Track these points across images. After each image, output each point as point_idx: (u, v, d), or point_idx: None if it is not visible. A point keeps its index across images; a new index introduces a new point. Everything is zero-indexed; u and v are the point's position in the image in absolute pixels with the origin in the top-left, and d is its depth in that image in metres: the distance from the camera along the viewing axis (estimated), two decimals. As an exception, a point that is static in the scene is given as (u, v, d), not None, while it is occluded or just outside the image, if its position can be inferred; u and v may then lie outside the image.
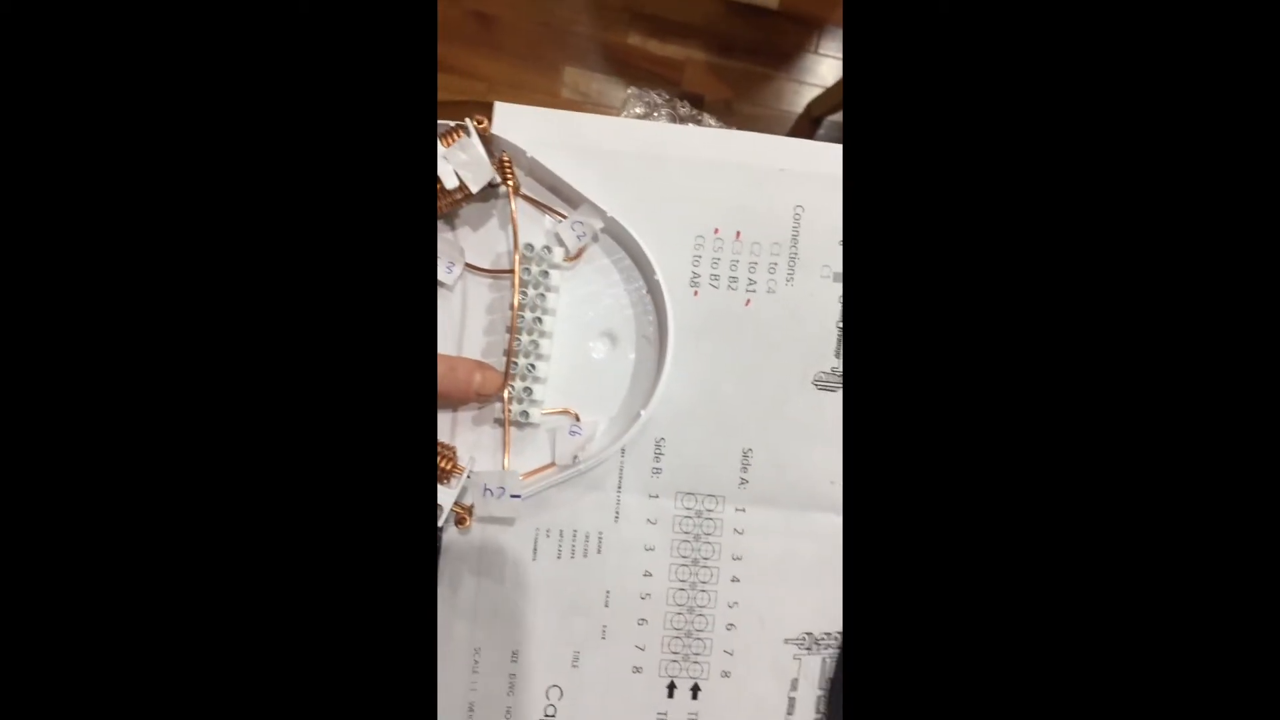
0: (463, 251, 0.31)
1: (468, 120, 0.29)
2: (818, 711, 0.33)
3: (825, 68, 0.89)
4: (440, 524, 0.29)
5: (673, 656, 0.32)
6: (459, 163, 0.29)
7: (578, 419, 0.32)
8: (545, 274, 0.31)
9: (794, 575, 0.32)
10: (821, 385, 0.32)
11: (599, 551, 0.32)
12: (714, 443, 0.32)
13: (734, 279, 0.32)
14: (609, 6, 0.86)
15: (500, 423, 0.31)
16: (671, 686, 0.32)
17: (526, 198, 0.32)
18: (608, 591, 0.32)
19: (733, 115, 0.86)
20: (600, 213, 0.31)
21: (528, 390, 0.31)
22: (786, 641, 0.33)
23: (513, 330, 0.30)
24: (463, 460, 0.30)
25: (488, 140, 0.30)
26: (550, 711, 0.32)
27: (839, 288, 0.32)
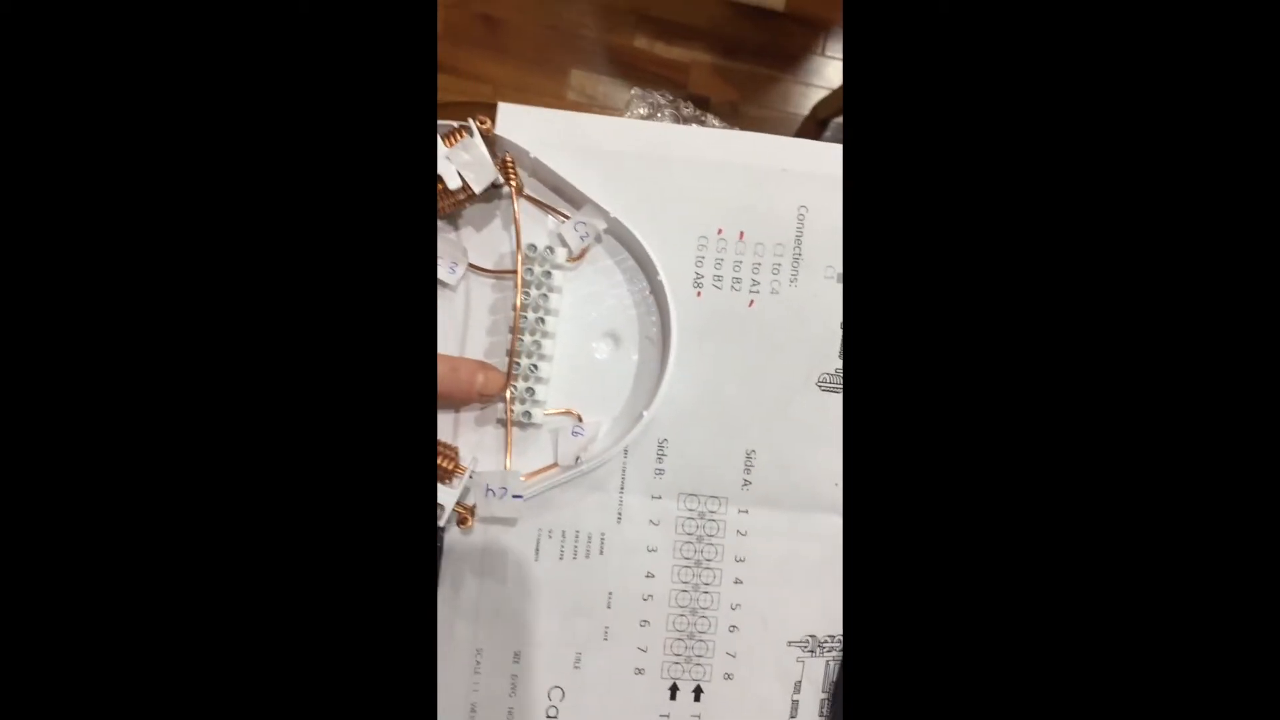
0: (466, 252, 0.31)
1: (471, 120, 0.29)
2: (821, 715, 0.33)
3: (831, 70, 0.89)
4: (442, 524, 0.29)
5: (675, 658, 0.32)
6: (462, 163, 0.29)
7: (580, 419, 0.31)
8: (548, 274, 0.31)
9: (797, 577, 0.32)
10: (825, 386, 0.32)
11: (601, 552, 0.32)
12: (717, 444, 0.32)
13: (737, 279, 0.32)
14: (615, 9, 0.86)
15: (503, 423, 0.31)
16: (674, 688, 0.32)
17: (529, 198, 0.32)
18: (610, 593, 0.32)
19: (738, 117, 0.86)
20: (603, 213, 0.31)
21: (530, 390, 0.31)
22: (790, 644, 0.32)
23: (515, 330, 0.30)
24: (465, 460, 0.30)
25: (491, 141, 0.30)
26: (552, 712, 0.32)
27: (842, 288, 0.32)
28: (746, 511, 0.32)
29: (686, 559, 0.32)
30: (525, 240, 0.31)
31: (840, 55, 0.88)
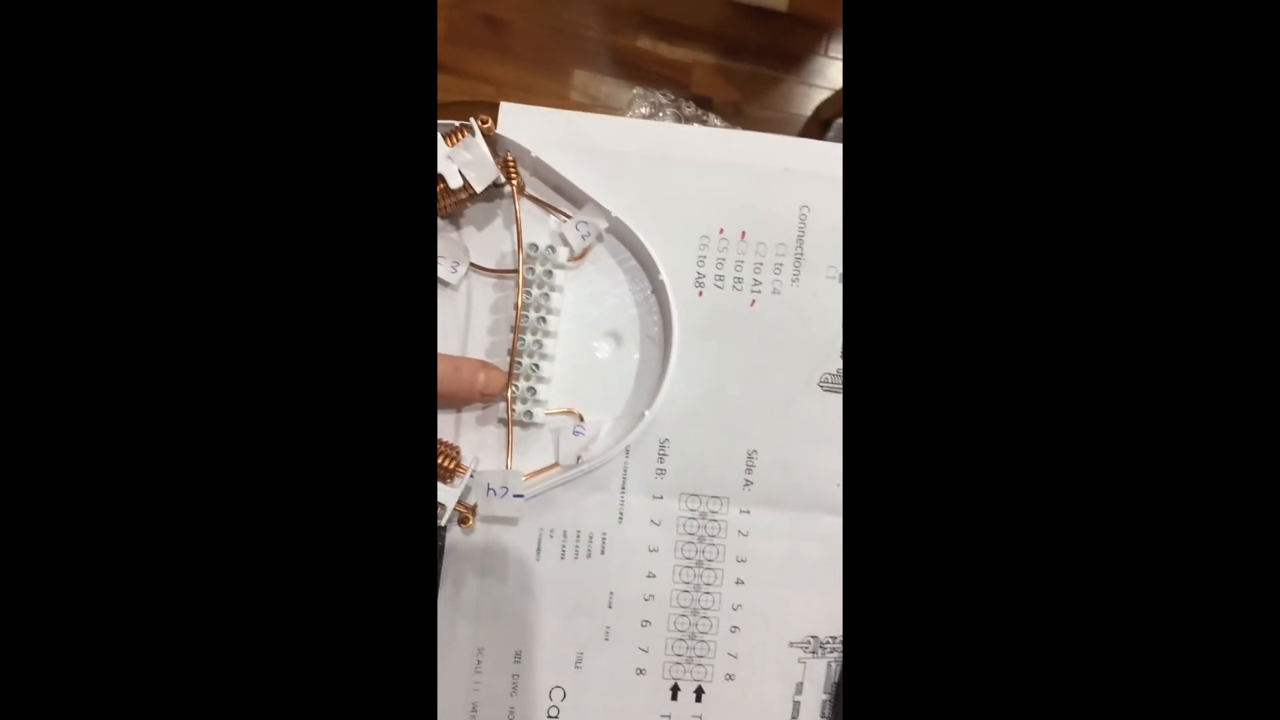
0: (467, 251, 0.31)
1: (472, 120, 0.29)
2: (823, 716, 0.33)
3: (834, 71, 0.88)
4: (444, 523, 0.29)
5: (676, 659, 0.32)
6: (464, 162, 0.29)
7: (582, 419, 0.31)
8: (549, 274, 0.31)
9: (799, 578, 0.32)
10: (827, 387, 0.32)
11: (602, 552, 0.32)
12: (718, 444, 0.32)
13: (739, 279, 0.32)
14: (619, 10, 0.86)
15: (504, 422, 0.31)
16: (675, 689, 0.32)
17: (531, 197, 0.32)
18: (611, 592, 0.32)
19: (741, 118, 0.86)
20: (605, 212, 0.31)
21: (531, 390, 0.31)
22: (791, 645, 0.32)
23: (517, 330, 0.30)
24: (467, 460, 0.30)
25: (492, 140, 0.30)
26: (553, 712, 0.32)
27: (842, 288, 0.32)
28: (748, 512, 0.32)
29: (688, 559, 0.32)
30: (527, 239, 0.31)
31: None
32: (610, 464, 0.32)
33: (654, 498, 0.32)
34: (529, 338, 0.31)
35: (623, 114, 0.78)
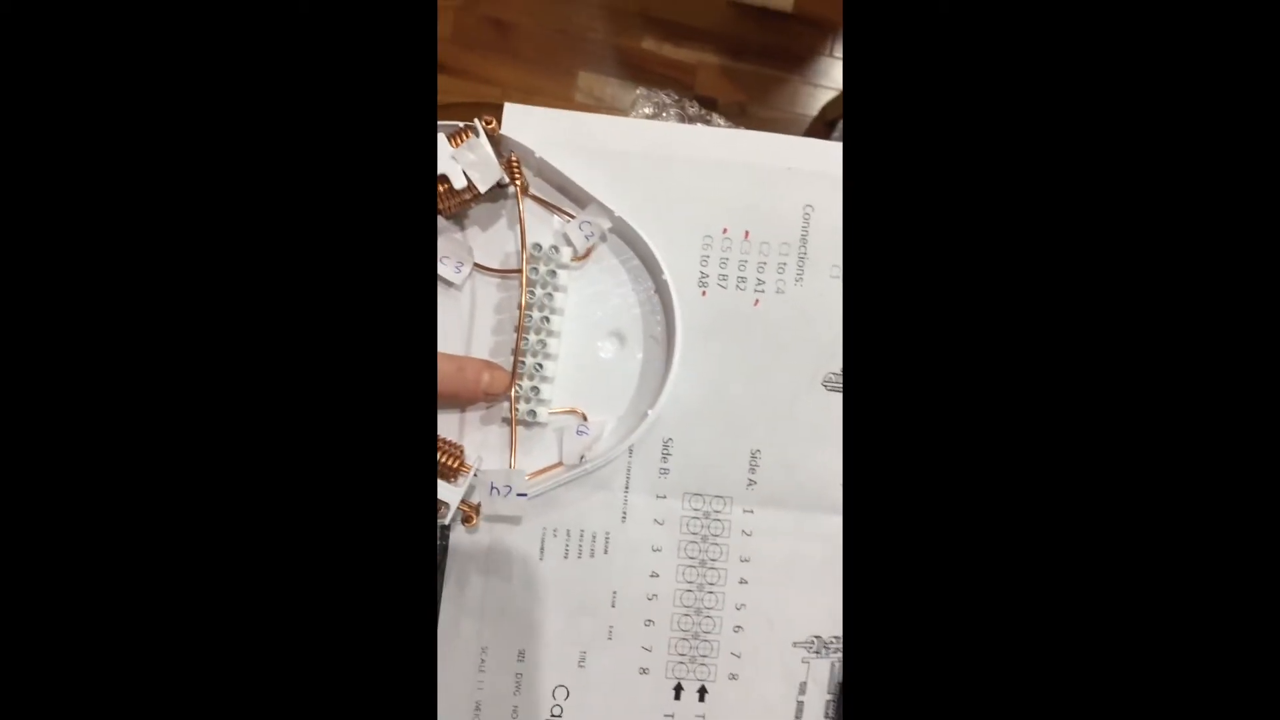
0: (471, 251, 0.31)
1: (476, 121, 0.30)
2: (826, 716, 0.32)
3: (840, 71, 0.88)
4: (447, 522, 0.29)
5: (680, 658, 0.32)
6: (467, 163, 0.29)
7: (585, 419, 0.32)
8: (553, 274, 0.31)
9: (802, 578, 0.32)
10: (831, 386, 0.32)
11: (606, 552, 0.32)
12: (722, 443, 0.32)
13: (742, 279, 0.32)
14: (623, 11, 0.86)
15: (508, 422, 0.31)
16: (678, 688, 0.32)
17: (535, 198, 0.32)
18: (614, 592, 0.32)
19: (746, 119, 0.86)
20: (608, 212, 0.31)
21: (535, 390, 0.31)
22: (795, 645, 0.32)
23: (520, 330, 0.30)
24: (470, 459, 0.30)
25: (496, 141, 0.30)
26: (556, 711, 0.32)
27: (842, 288, 0.32)
28: (751, 511, 0.32)
29: (691, 558, 0.32)
30: (530, 239, 0.31)
31: (848, 56, 0.88)
32: (614, 463, 0.32)
33: (657, 497, 0.32)
34: (532, 337, 0.31)
35: (626, 115, 0.78)
